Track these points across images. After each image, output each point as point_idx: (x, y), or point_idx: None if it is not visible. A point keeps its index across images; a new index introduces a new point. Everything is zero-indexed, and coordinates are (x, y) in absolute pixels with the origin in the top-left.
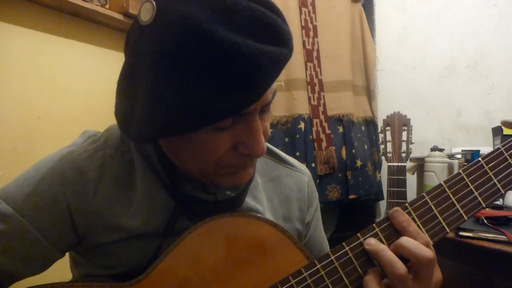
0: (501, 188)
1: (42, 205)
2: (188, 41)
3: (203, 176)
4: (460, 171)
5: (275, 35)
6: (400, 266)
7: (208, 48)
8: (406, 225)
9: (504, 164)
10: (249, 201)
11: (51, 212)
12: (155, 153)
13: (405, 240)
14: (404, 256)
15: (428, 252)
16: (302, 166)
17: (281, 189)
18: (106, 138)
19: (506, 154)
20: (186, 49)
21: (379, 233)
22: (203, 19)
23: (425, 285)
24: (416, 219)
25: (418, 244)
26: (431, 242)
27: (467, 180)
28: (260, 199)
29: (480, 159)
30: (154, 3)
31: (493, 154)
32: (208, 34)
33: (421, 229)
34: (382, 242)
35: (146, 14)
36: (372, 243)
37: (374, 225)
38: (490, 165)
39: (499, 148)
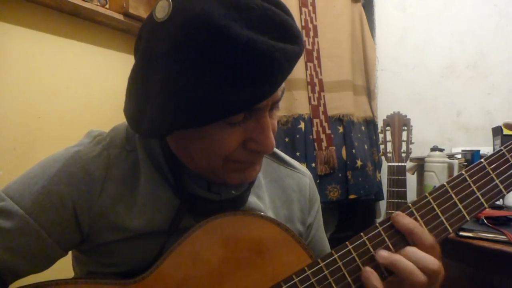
0: (503, 189)
1: (48, 203)
2: (204, 37)
3: (211, 172)
4: (463, 172)
5: (287, 33)
6: (419, 274)
7: (224, 43)
8: (412, 226)
9: (506, 165)
10: (252, 200)
11: (56, 211)
12: (161, 152)
13: (409, 252)
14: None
15: (432, 264)
16: (303, 168)
17: (283, 190)
18: (111, 138)
19: (508, 156)
20: (202, 45)
21: (382, 232)
22: (219, 16)
23: None
24: (419, 219)
25: (422, 256)
26: (436, 241)
27: (469, 181)
28: (264, 199)
29: (482, 160)
30: (170, 0)
31: (495, 155)
32: (225, 30)
33: None
34: (385, 242)
35: (161, 11)
36: (385, 256)
37: (377, 224)
38: (492, 166)
39: (501, 150)
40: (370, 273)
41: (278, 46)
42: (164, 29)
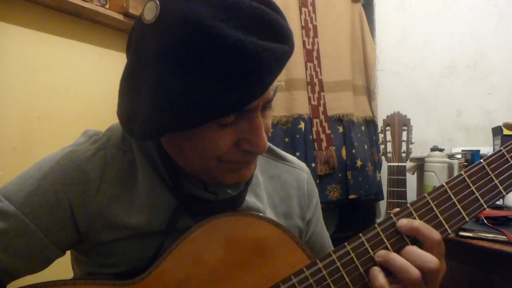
0: (502, 190)
1: (44, 203)
2: (192, 38)
3: (206, 172)
4: (462, 173)
5: (277, 33)
6: (414, 271)
7: (212, 45)
8: (417, 225)
9: (505, 166)
10: (250, 199)
11: (52, 210)
12: (157, 152)
13: (409, 250)
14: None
15: (431, 263)
16: (301, 163)
17: (282, 186)
18: (107, 137)
19: (507, 156)
20: (190, 46)
21: (381, 233)
22: (207, 16)
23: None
24: (418, 220)
25: (422, 254)
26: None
27: (468, 181)
28: (262, 197)
29: (481, 160)
30: (157, 2)
31: (495, 156)
32: (212, 31)
33: None
34: (384, 243)
35: (149, 13)
36: (382, 254)
37: (376, 225)
38: (491, 166)
39: (500, 150)
40: (378, 271)
41: (267, 46)
42: (153, 31)
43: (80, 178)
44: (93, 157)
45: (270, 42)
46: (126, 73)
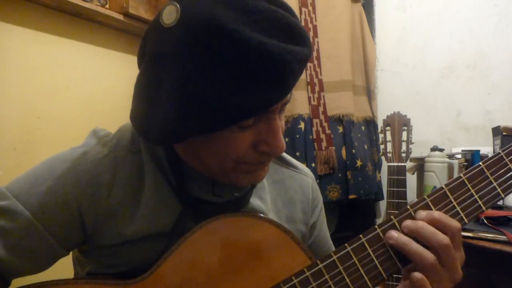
0: (501, 192)
1: (53, 205)
2: (215, 42)
3: (221, 174)
4: (461, 175)
5: (295, 35)
6: (430, 255)
7: (235, 47)
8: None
9: (504, 169)
10: (254, 202)
11: (61, 212)
12: (165, 154)
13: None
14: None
15: (445, 239)
16: (306, 169)
17: (286, 191)
18: (117, 139)
19: (506, 159)
20: (213, 49)
21: (381, 233)
22: (229, 20)
23: (452, 269)
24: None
25: (434, 231)
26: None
27: (467, 183)
28: (266, 200)
29: (480, 163)
30: (178, 5)
31: (494, 159)
32: (235, 34)
33: None
34: (385, 246)
35: (169, 16)
36: (395, 236)
37: (376, 226)
38: (490, 169)
39: (499, 153)
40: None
41: (289, 48)
42: (173, 34)
43: (91, 181)
44: (104, 160)
45: (290, 45)
46: (141, 77)
